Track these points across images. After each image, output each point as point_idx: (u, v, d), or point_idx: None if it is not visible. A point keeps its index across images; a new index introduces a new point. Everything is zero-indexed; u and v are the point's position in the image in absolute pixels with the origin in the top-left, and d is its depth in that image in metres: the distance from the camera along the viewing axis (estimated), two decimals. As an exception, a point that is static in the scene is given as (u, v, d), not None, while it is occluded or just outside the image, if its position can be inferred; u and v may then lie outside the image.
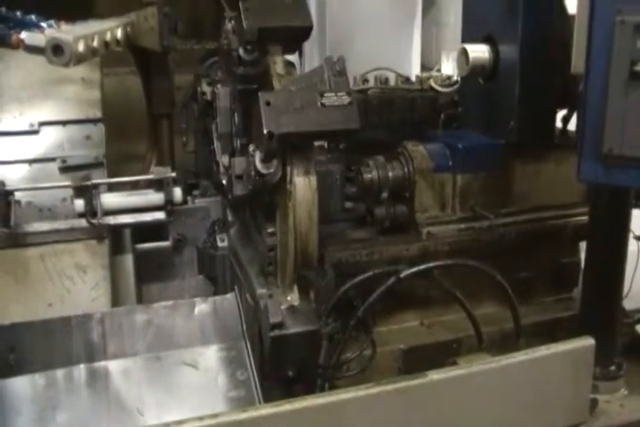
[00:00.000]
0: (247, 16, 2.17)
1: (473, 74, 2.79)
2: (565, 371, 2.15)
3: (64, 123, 2.60)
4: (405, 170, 2.67)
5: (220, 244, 2.74)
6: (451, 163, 2.72)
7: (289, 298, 2.27)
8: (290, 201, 2.15)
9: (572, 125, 3.02)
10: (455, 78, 3.04)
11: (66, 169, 2.54)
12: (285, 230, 2.22)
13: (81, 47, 2.11)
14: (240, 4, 2.20)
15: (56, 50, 2.07)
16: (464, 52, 2.77)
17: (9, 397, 2.10)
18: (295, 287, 2.28)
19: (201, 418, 1.82)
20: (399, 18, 4.50)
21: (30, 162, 2.54)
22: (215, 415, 1.83)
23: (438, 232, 2.67)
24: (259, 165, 2.10)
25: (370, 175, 2.65)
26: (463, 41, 2.92)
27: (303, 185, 2.16)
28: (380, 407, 1.95)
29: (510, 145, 2.73)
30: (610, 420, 2.45)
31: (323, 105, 2.08)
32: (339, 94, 2.10)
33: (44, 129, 2.58)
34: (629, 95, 1.90)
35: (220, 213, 2.84)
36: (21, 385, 2.14)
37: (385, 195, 2.67)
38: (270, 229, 2.29)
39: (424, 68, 4.62)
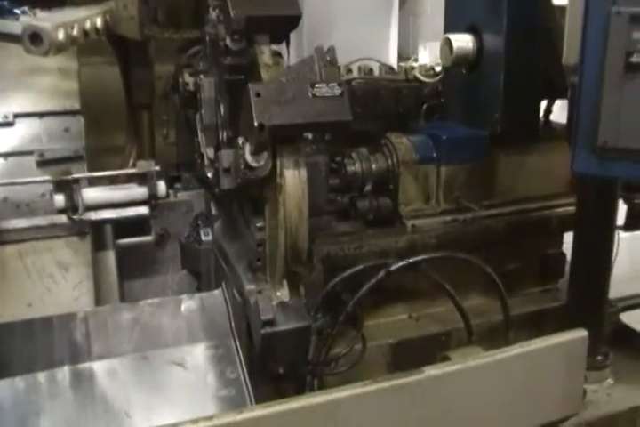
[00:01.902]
0: (234, 5, 2.10)
1: (457, 64, 2.77)
2: (559, 363, 2.15)
3: (40, 115, 2.49)
4: (389, 162, 2.64)
5: (204, 238, 2.68)
6: (435, 154, 2.69)
7: (279, 294, 2.22)
8: (280, 195, 2.10)
9: (554, 116, 3.04)
10: (438, 69, 3.00)
11: (44, 163, 2.42)
12: (275, 225, 2.16)
13: (60, 36, 2.01)
14: (226, -8, 2.13)
15: (34, 38, 1.96)
16: (448, 42, 2.74)
17: (-12, 402, 2.02)
18: (285, 283, 2.23)
19: (195, 421, 1.77)
20: (376, 7, 4.46)
21: (6, 156, 2.43)
22: (210, 418, 1.78)
23: (423, 225, 2.65)
24: (248, 157, 2.05)
25: (353, 168, 2.61)
26: (446, 31, 2.89)
27: (293, 178, 2.11)
28: (376, 405, 1.92)
29: (494, 136, 2.71)
30: (598, 410, 2.47)
31: (314, 96, 2.03)
32: (330, 85, 2.05)
33: (20, 121, 2.46)
34: (625, 87, 1.89)
35: (204, 207, 2.77)
36: (1, 390, 2.05)
37: (369, 187, 2.64)
38: (259, 224, 2.24)
39: (401, 57, 4.60)
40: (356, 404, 1.90)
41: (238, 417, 1.77)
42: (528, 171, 2.84)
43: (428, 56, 4.37)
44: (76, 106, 2.54)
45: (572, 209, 2.73)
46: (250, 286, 2.25)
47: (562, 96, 2.79)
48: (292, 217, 2.13)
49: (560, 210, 2.82)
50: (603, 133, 1.94)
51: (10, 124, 2.46)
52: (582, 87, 1.97)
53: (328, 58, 2.09)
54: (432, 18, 4.60)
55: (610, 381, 2.63)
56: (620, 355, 2.74)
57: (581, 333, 2.17)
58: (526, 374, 2.11)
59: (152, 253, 2.72)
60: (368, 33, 4.45)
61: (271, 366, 2.22)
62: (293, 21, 2.18)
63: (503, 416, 2.10)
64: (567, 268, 2.92)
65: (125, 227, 2.64)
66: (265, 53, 2.18)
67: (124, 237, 2.67)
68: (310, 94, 2.03)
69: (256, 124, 1.95)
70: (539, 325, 2.79)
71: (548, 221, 2.81)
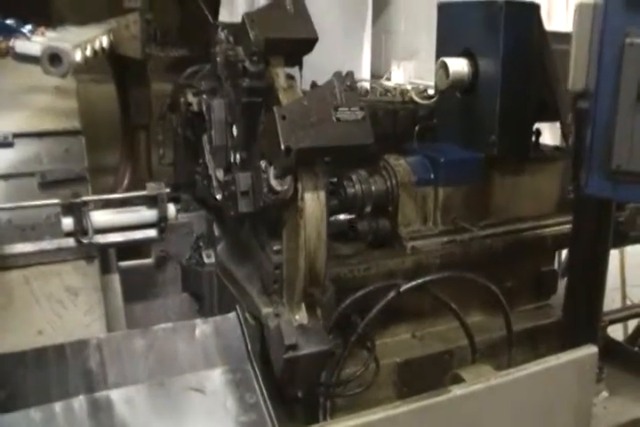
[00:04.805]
0: (253, 26, 2.10)
1: (452, 88, 2.83)
2: (572, 379, 2.21)
3: (40, 135, 2.41)
4: (388, 184, 2.66)
5: (206, 260, 2.64)
6: (432, 176, 2.74)
7: (297, 317, 2.20)
8: (301, 218, 2.10)
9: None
10: (431, 92, 3.06)
11: (46, 185, 2.35)
12: (294, 247, 2.15)
13: (78, 56, 1.97)
14: (244, 15, 2.12)
15: (53, 59, 1.92)
16: (444, 66, 2.80)
17: (3, 436, 1.93)
18: (303, 306, 2.22)
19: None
20: (350, 26, 4.52)
21: (6, 177, 2.34)
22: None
23: (422, 246, 2.68)
24: (273, 181, 2.04)
25: (353, 189, 2.61)
26: (439, 55, 2.95)
27: (312, 201, 2.11)
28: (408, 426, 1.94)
29: (489, 158, 2.78)
30: (598, 423, 2.55)
31: (338, 120, 2.04)
32: (352, 109, 2.07)
33: (19, 142, 2.38)
34: (638, 114, 1.98)
35: (205, 229, 2.73)
36: (16, 423, 1.95)
37: (368, 209, 2.66)
38: (276, 247, 2.22)
39: (373, 76, 4.67)
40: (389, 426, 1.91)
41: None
42: (522, 191, 2.92)
43: (402, 75, 4.46)
44: (77, 126, 2.48)
45: (564, 228, 2.84)
46: (267, 310, 2.23)
47: (553, 119, 2.91)
48: (311, 240, 2.13)
49: (553, 229, 2.91)
50: (616, 158, 2.02)
51: (9, 145, 2.37)
52: (596, 114, 2.05)
53: (348, 82, 2.11)
54: (405, 35, 4.69)
55: (605, 394, 2.72)
56: (610, 368, 2.83)
57: (592, 349, 2.23)
58: (542, 391, 2.16)
59: (153, 276, 2.66)
60: (342, 51, 4.50)
61: (291, 390, 2.21)
62: (310, 44, 2.19)
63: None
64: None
65: (124, 249, 2.58)
66: (280, 76, 2.18)
67: (122, 260, 2.60)
68: (334, 118, 2.04)
69: (283, 147, 1.95)
70: (534, 341, 2.86)
71: (543, 240, 2.89)
